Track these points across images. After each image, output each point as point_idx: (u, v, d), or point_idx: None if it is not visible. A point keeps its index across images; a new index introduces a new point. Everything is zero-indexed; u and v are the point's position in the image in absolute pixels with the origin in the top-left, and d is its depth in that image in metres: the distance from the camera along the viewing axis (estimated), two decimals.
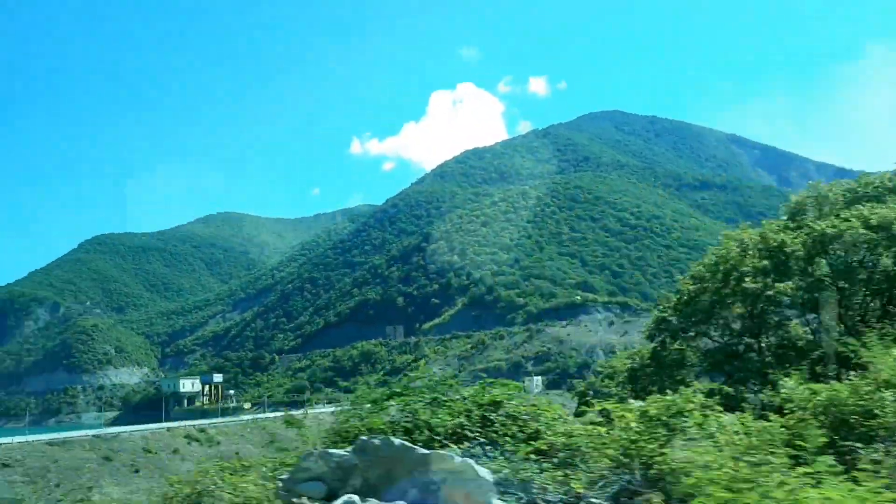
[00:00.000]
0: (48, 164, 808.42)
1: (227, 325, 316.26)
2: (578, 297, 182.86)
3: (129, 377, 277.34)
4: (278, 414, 73.17)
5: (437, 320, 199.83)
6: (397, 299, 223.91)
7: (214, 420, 59.60)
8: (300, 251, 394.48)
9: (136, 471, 44.97)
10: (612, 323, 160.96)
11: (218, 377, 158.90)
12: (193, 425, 55.33)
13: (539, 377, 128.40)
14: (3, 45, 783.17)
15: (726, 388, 14.81)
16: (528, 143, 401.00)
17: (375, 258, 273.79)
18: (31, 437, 44.86)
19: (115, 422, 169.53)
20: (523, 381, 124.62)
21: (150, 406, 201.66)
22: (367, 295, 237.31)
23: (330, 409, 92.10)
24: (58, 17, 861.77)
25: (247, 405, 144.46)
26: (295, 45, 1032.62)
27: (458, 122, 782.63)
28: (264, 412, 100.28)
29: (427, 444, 6.47)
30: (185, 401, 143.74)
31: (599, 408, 7.47)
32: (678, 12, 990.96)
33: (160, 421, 72.47)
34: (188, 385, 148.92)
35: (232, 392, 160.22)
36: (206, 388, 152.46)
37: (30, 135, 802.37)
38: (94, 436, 48.31)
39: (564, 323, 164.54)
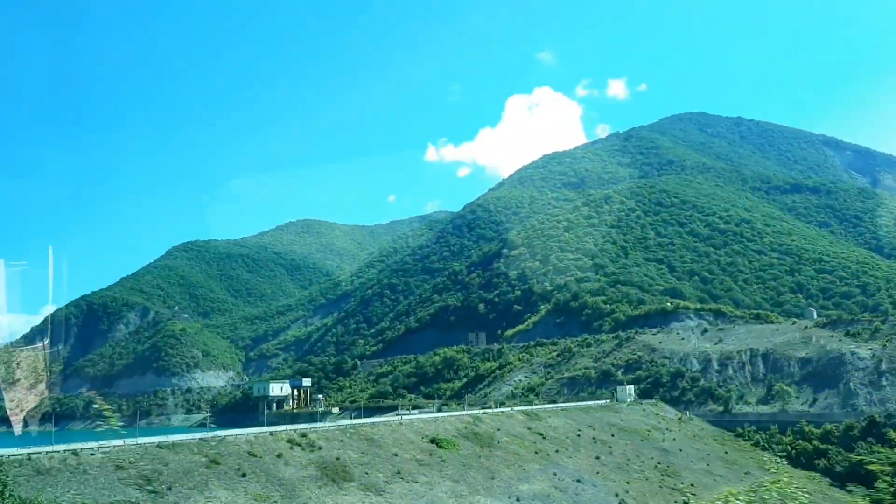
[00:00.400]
0: (138, 176, 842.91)
1: (309, 329, 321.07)
2: (669, 304, 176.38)
3: (215, 380, 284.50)
4: (376, 420, 71.72)
5: (520, 327, 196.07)
6: (478, 305, 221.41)
7: (313, 424, 58.64)
8: (378, 258, 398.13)
9: (243, 475, 44.22)
10: (705, 331, 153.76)
11: (307, 381, 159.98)
12: (295, 430, 54.53)
13: (631, 386, 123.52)
14: (96, 62, 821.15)
15: None
16: (609, 146, 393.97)
17: (454, 264, 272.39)
18: (140, 440, 44.58)
19: (204, 424, 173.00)
20: (614, 391, 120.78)
21: (235, 409, 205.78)
22: (447, 301, 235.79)
23: (416, 414, 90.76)
24: (144, 34, 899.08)
25: (335, 409, 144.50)
26: (370, 52, 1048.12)
27: (534, 127, 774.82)
28: (352, 417, 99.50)
29: None
30: (275, 404, 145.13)
31: None
32: (761, 11, 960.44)
33: (249, 424, 72.40)
34: (277, 389, 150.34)
35: (320, 396, 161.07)
36: (295, 391, 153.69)
37: (119, 148, 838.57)
38: (200, 439, 47.93)
39: (655, 330, 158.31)
